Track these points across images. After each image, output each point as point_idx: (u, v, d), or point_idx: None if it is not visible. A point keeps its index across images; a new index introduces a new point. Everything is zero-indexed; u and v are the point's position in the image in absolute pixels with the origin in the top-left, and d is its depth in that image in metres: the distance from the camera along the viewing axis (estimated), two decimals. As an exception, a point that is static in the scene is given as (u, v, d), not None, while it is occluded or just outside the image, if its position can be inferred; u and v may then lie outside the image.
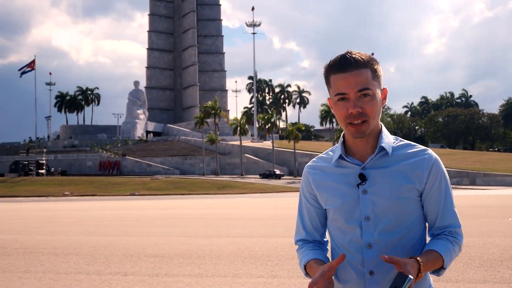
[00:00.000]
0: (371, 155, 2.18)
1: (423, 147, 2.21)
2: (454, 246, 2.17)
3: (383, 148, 2.17)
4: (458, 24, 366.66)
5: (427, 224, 2.27)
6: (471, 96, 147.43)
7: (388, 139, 2.21)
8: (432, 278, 2.30)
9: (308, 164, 2.38)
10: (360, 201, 2.16)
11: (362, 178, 2.16)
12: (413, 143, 2.23)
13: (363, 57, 2.13)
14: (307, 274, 2.28)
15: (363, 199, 2.15)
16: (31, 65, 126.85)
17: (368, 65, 2.12)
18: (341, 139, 2.29)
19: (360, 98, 2.10)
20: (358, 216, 2.16)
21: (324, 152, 2.37)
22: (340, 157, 2.23)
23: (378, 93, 2.15)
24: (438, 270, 2.16)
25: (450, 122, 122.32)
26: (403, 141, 2.24)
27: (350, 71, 2.09)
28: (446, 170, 2.23)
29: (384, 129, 2.23)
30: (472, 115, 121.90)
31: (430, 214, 2.20)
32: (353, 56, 2.12)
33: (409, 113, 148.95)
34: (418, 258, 2.04)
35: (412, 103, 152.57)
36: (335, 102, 2.15)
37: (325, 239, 2.40)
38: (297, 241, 2.42)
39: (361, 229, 2.16)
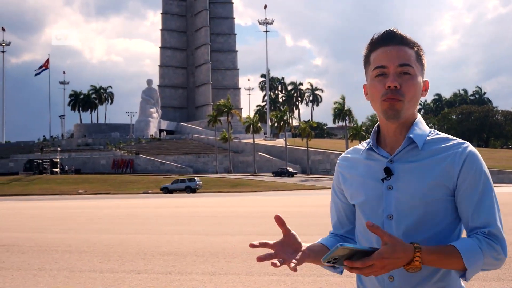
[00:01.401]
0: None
1: (461, 141, 1.97)
2: (483, 245, 1.84)
3: (412, 140, 1.97)
4: (472, 21, 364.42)
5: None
6: (485, 93, 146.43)
7: (422, 131, 2.01)
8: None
9: (341, 155, 2.21)
10: (384, 198, 1.97)
11: (388, 172, 1.97)
12: (451, 136, 2.00)
13: (409, 37, 2.02)
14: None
15: (387, 195, 1.96)
16: (45, 64, 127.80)
17: (413, 46, 2.01)
18: (375, 128, 2.10)
19: (400, 75, 1.95)
20: (381, 214, 1.97)
21: (360, 143, 2.18)
22: (371, 148, 2.05)
23: (420, 78, 2.00)
24: (463, 275, 1.87)
25: (464, 119, 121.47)
26: (439, 134, 2.02)
27: (393, 45, 1.98)
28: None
29: (419, 120, 2.04)
30: (486, 112, 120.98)
31: (463, 214, 1.93)
32: (399, 32, 2.01)
33: (422, 110, 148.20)
34: (417, 245, 1.81)
35: (426, 100, 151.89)
36: (372, 78, 2.00)
37: (352, 236, 2.19)
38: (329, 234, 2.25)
39: (383, 228, 1.94)
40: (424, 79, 2.04)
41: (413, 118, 2.02)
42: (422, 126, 2.03)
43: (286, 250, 1.93)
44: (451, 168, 1.92)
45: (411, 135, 1.97)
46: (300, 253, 1.92)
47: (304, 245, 1.99)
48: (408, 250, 1.79)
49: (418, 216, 1.93)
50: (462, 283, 2.01)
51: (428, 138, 2.00)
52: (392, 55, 1.96)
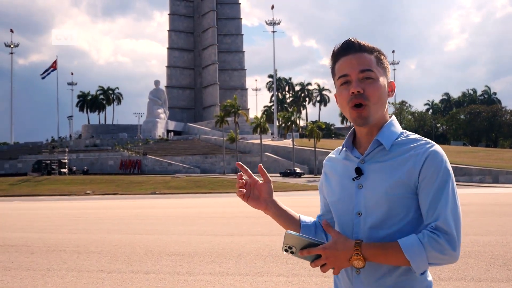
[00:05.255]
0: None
1: (427, 141, 2.06)
2: (424, 240, 1.92)
3: (379, 142, 2.09)
4: (480, 20, 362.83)
5: None
6: (495, 93, 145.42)
7: (391, 133, 2.11)
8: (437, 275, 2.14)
9: (328, 156, 2.37)
10: (355, 196, 2.10)
11: (358, 172, 2.10)
12: (419, 137, 2.09)
13: (367, 44, 2.13)
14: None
15: (358, 193, 2.10)
16: (53, 65, 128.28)
17: (372, 51, 2.11)
18: (351, 130, 2.24)
19: (362, 80, 2.07)
20: (352, 211, 2.11)
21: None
22: (347, 149, 2.21)
23: (383, 81, 2.10)
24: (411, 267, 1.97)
25: (473, 119, 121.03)
26: (411, 135, 2.11)
27: (353, 53, 2.09)
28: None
29: (390, 122, 2.15)
30: (495, 112, 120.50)
31: (422, 210, 2.02)
32: (357, 40, 2.12)
33: (431, 110, 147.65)
34: (358, 240, 1.97)
35: (433, 100, 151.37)
36: (338, 87, 2.14)
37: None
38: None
39: (352, 225, 2.10)
40: (389, 81, 2.15)
41: (384, 120, 2.14)
42: (393, 128, 2.14)
43: (255, 190, 2.35)
44: (413, 168, 2.02)
45: (377, 138, 2.10)
46: (260, 197, 2.32)
47: (275, 200, 2.34)
48: (348, 244, 1.98)
49: (383, 213, 2.04)
50: (429, 277, 2.10)
51: (398, 139, 2.11)
52: (352, 63, 2.08)
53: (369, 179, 2.07)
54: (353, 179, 2.11)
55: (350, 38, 2.13)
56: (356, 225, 2.09)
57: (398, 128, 2.15)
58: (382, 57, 2.14)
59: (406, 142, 2.08)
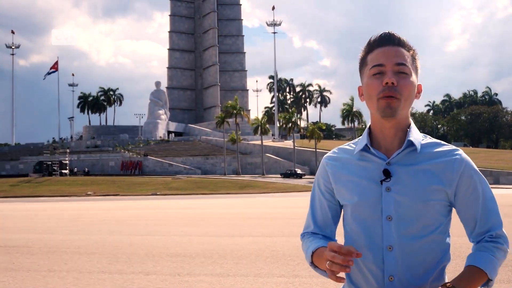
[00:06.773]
0: (398, 150, 2.01)
1: (453, 147, 2.04)
2: (495, 253, 1.99)
3: (411, 143, 2.01)
4: (482, 20, 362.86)
5: (463, 231, 2.11)
6: (496, 94, 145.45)
7: (417, 135, 2.05)
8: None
9: (327, 155, 2.20)
10: (383, 199, 1.98)
11: (387, 174, 1.98)
12: (442, 141, 2.07)
13: (406, 40, 2.07)
14: (312, 263, 2.07)
15: (386, 197, 1.98)
16: (55, 66, 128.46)
17: (410, 49, 2.05)
18: (367, 129, 2.11)
19: (397, 73, 1.98)
20: (379, 215, 1.99)
21: (346, 144, 2.19)
22: (365, 149, 2.06)
23: (415, 79, 2.04)
24: (486, 284, 1.99)
25: (473, 120, 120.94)
26: (431, 139, 2.08)
27: (391, 45, 2.02)
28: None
29: (413, 125, 2.08)
30: (496, 113, 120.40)
31: (469, 219, 2.03)
32: (397, 34, 2.06)
33: (431, 111, 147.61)
34: (449, 284, 1.91)
35: (434, 101, 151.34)
36: (369, 77, 2.02)
37: (333, 236, 2.22)
38: (305, 234, 2.27)
39: (382, 229, 1.99)
40: (418, 83, 2.08)
41: (407, 122, 2.07)
42: (417, 131, 2.08)
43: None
44: (450, 175, 1.99)
45: (411, 139, 2.01)
46: None
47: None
48: None
49: (418, 218, 1.98)
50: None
51: (422, 142, 2.05)
52: (389, 54, 2.00)
53: (401, 183, 1.98)
54: (381, 182, 2.00)
55: (390, 31, 2.06)
56: (386, 229, 1.99)
57: (418, 130, 2.11)
58: (416, 57, 2.08)
59: (432, 145, 2.05)
